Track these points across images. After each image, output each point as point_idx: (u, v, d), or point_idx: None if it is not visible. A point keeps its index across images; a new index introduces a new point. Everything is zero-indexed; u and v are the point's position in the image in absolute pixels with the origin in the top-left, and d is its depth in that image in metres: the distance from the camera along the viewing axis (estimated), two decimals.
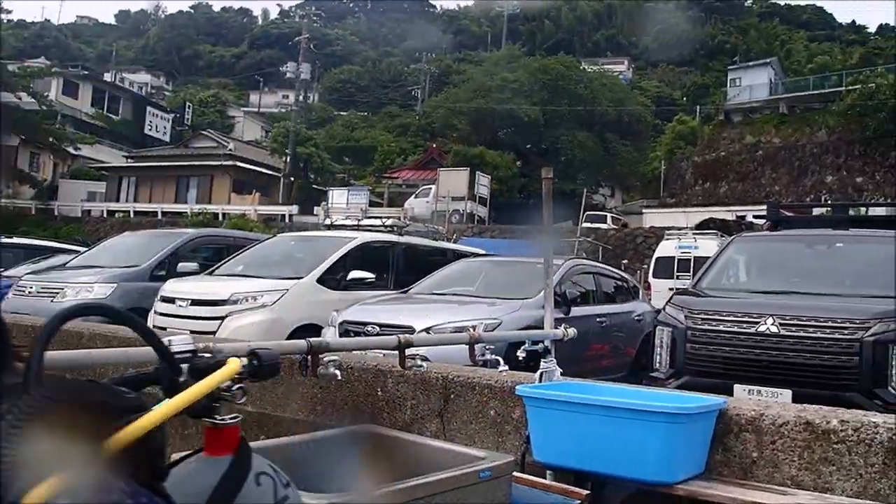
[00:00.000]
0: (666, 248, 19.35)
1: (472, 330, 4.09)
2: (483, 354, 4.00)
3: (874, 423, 3.77)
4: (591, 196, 45.26)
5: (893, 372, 5.11)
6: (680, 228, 23.16)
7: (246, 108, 69.96)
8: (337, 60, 73.67)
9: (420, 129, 55.21)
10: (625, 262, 24.26)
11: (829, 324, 5.25)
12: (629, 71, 66.75)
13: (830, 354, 5.18)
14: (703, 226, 25.40)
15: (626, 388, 4.44)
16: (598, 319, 8.36)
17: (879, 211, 7.89)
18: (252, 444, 2.96)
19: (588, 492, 3.41)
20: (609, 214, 40.23)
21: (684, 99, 61.46)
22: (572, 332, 4.47)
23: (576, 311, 7.59)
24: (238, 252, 9.44)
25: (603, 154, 45.98)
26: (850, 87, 45.93)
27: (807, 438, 3.84)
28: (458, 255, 9.87)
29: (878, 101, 42.59)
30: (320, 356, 3.01)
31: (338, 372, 3.05)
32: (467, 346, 3.96)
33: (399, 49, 76.05)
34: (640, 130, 49.55)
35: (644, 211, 44.45)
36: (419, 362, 3.45)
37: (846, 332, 5.18)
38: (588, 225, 34.30)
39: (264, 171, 45.36)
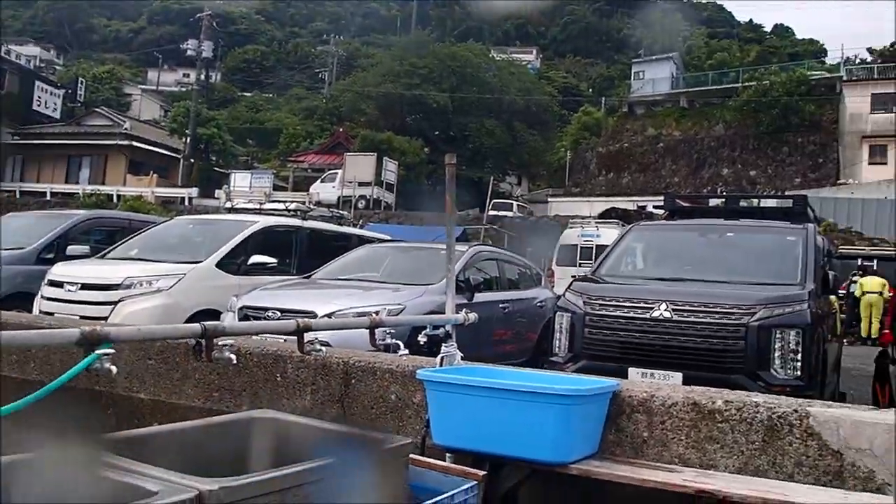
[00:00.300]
0: (569, 237, 19.77)
1: (374, 315, 4.08)
2: (383, 339, 4.00)
3: (755, 402, 3.96)
4: (499, 184, 45.79)
5: (776, 355, 5.38)
6: (584, 217, 23.69)
7: (144, 86, 67.30)
8: (241, 39, 71.71)
9: (327, 113, 54.45)
10: (529, 249, 24.64)
11: (718, 309, 5.49)
12: (537, 61, 67.67)
13: (718, 338, 5.42)
14: (606, 215, 26.09)
15: (524, 372, 4.52)
16: (501, 305, 8.47)
17: (770, 203, 8.23)
18: (141, 430, 2.87)
19: (485, 472, 3.46)
20: (515, 202, 40.79)
21: (590, 90, 62.82)
22: (473, 316, 4.52)
23: (479, 297, 7.66)
24: (133, 235, 9.10)
25: (510, 142, 46.53)
26: (747, 84, 47.98)
27: (694, 418, 4.01)
28: (363, 241, 9.81)
29: (771, 97, 44.66)
30: (215, 340, 2.94)
31: (233, 356, 2.99)
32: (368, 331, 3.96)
33: (306, 30, 74.73)
34: (547, 120, 50.41)
35: (550, 199, 45.28)
36: (318, 346, 3.41)
37: (733, 317, 5.43)
38: (495, 213, 34.68)
39: (163, 151, 43.88)
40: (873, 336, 15.70)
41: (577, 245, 18.92)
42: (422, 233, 20.82)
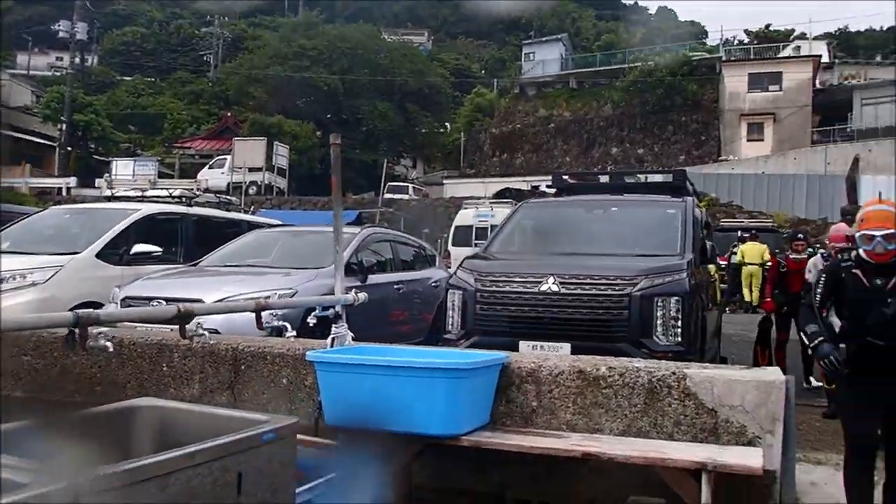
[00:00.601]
0: (464, 217, 19.95)
1: (260, 299, 4.00)
2: (270, 322, 3.95)
3: (637, 368, 4.14)
4: (393, 167, 45.65)
5: (657, 323, 5.60)
6: (478, 198, 23.92)
7: (12, 70, 63.33)
8: (119, 21, 68.38)
9: (213, 97, 52.68)
10: (426, 231, 24.75)
11: (602, 281, 5.66)
12: (429, 42, 67.68)
13: (603, 309, 5.60)
14: (500, 195, 26.46)
15: (414, 349, 4.56)
16: (395, 286, 8.47)
17: (652, 178, 8.52)
18: (11, 424, 2.73)
19: (379, 446, 3.47)
20: (411, 185, 40.80)
21: (482, 72, 63.27)
22: (363, 296, 4.51)
23: (373, 278, 7.64)
24: (4, 227, 8.59)
25: (404, 124, 46.45)
26: (633, 65, 49.46)
27: (580, 385, 4.15)
28: (253, 227, 9.59)
29: (656, 78, 46.19)
30: (90, 329, 2.82)
31: (109, 344, 2.88)
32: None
33: (188, 11, 71.94)
34: (440, 102, 50.49)
35: (445, 181, 45.52)
36: (201, 331, 3.33)
37: (617, 288, 5.61)
38: (390, 196, 34.60)
39: (36, 140, 41.50)
40: (755, 304, 16.53)
41: (472, 226, 19.12)
42: (316, 218, 20.58)
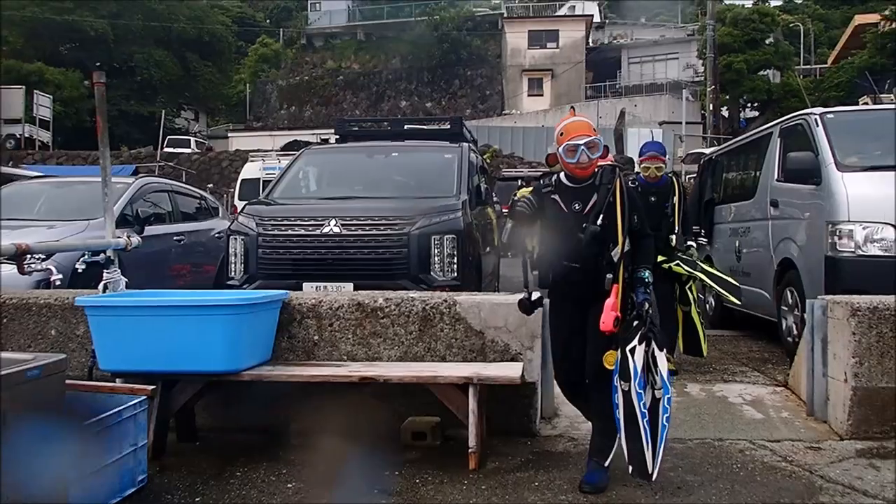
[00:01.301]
0: (251, 170, 19.41)
1: (21, 243, 3.80)
2: (32, 266, 3.76)
3: (412, 297, 4.41)
4: (173, 120, 43.36)
5: (435, 259, 5.93)
6: (266, 151, 23.38)
7: None
8: None
9: None
10: (210, 186, 23.91)
11: (382, 222, 5.89)
12: None
13: (384, 248, 5.83)
14: (288, 148, 25.98)
15: (192, 291, 4.54)
16: (175, 238, 8.25)
17: (431, 126, 8.83)
18: None
19: (153, 387, 3.47)
20: (193, 138, 39.02)
21: (267, 21, 61.19)
22: (136, 240, 4.42)
23: (150, 230, 7.39)
24: None
25: (183, 75, 44.02)
26: (419, 19, 50.00)
27: (359, 317, 4.35)
28: (8, 179, 8.83)
29: (442, 32, 47.09)
30: None
31: None
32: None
33: None
34: (222, 51, 48.28)
35: (230, 135, 43.98)
36: None
37: (396, 227, 5.86)
38: (171, 150, 32.94)
39: None
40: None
41: (259, 178, 18.67)
42: (86, 172, 19.19)
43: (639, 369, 3.38)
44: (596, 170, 3.61)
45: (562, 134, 3.61)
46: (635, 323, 3.46)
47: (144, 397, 3.34)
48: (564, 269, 3.58)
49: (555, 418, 4.62)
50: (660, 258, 5.55)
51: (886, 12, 33.85)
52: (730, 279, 6.09)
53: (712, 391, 5.32)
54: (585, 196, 3.58)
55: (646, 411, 3.36)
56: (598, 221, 3.46)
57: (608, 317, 3.34)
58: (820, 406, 4.47)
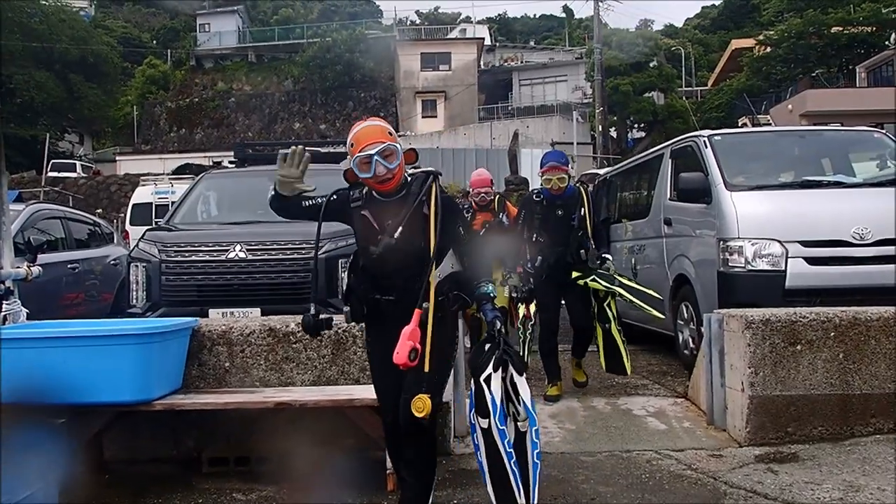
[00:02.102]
0: (142, 195, 18.85)
1: None
2: None
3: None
4: (57, 143, 41.48)
5: (342, 283, 5.91)
6: (157, 175, 22.71)
7: None
8: None
9: None
10: (99, 211, 23.01)
11: (289, 246, 5.84)
12: (91, 8, 61.81)
13: (291, 272, 5.78)
14: (180, 171, 25.31)
15: (97, 321, 4.38)
16: (69, 266, 7.92)
17: (330, 149, 8.82)
18: None
19: (62, 420, 3.33)
20: (79, 162, 37.45)
21: (154, 42, 59.60)
22: (37, 270, 4.24)
23: (43, 258, 7.02)
24: None
25: (67, 97, 42.18)
26: (311, 41, 49.83)
27: (270, 343, 4.31)
28: None
29: (334, 54, 47.05)
30: None
31: None
32: None
33: None
34: (107, 72, 46.51)
35: (118, 158, 42.42)
36: None
37: (302, 251, 5.82)
38: (55, 174, 31.50)
39: None
40: None
41: (151, 203, 18.14)
42: None
43: (497, 401, 2.88)
44: (406, 179, 3.09)
45: (352, 145, 3.03)
46: (487, 346, 2.99)
47: (51, 430, 3.20)
48: (375, 300, 3.05)
49: (468, 437, 4.67)
50: (575, 274, 5.54)
51: (761, 37, 36.10)
52: (651, 292, 5.68)
53: (617, 404, 5.51)
54: (398, 211, 3.01)
55: (511, 450, 2.90)
56: (395, 234, 2.93)
57: (403, 347, 2.74)
58: (719, 415, 4.71)
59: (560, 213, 5.62)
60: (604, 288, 5.50)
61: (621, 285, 5.49)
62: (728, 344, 4.64)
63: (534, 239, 5.69)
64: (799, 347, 4.37)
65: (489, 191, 6.97)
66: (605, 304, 5.62)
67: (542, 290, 5.65)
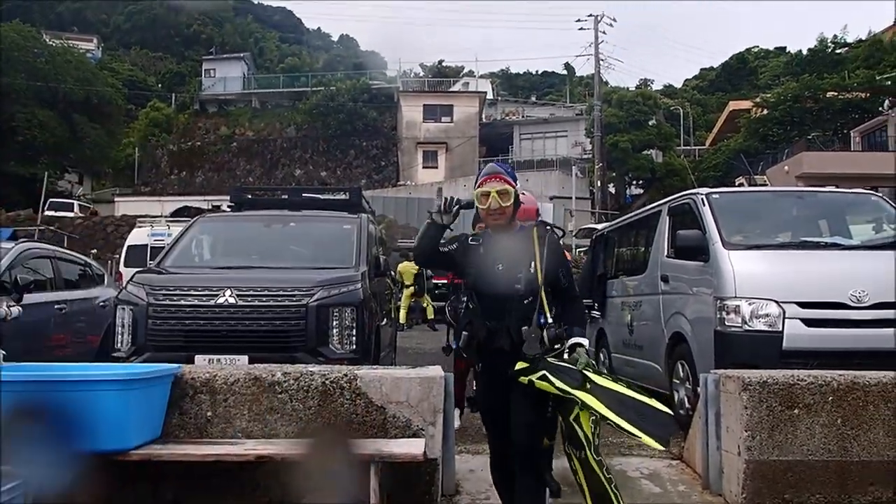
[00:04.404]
0: (138, 236, 18.79)
1: None
2: None
3: (311, 371, 4.29)
4: (56, 182, 41.61)
5: (333, 332, 5.82)
6: (154, 217, 22.72)
7: None
8: None
9: None
10: (94, 251, 22.95)
11: (280, 293, 5.75)
12: (98, 50, 62.76)
13: (281, 320, 5.69)
14: (178, 214, 25.31)
15: (76, 365, 4.27)
16: (57, 307, 7.82)
17: (329, 196, 8.73)
18: None
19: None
20: (77, 202, 37.50)
21: (159, 85, 60.34)
22: (16, 310, 4.16)
23: (30, 297, 6.96)
24: None
25: (69, 137, 42.42)
26: (315, 89, 50.48)
27: (255, 392, 4.19)
28: None
29: (338, 103, 47.64)
30: None
31: None
32: None
33: None
34: (111, 114, 46.90)
35: (116, 199, 42.50)
36: None
37: (294, 299, 5.74)
38: (52, 213, 31.53)
39: None
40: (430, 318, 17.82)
41: (146, 245, 18.07)
42: None
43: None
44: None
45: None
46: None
47: (18, 482, 3.07)
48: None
49: (456, 495, 4.54)
50: (519, 365, 3.38)
51: (758, 100, 36.61)
52: (653, 403, 3.32)
53: (611, 465, 5.36)
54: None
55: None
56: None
57: None
58: (715, 479, 4.58)
59: (500, 266, 3.43)
60: (558, 392, 3.29)
61: (592, 388, 3.28)
62: (724, 406, 4.54)
63: (462, 305, 4.08)
64: (797, 411, 4.27)
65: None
66: (572, 419, 3.37)
67: (478, 387, 3.77)
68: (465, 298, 3.70)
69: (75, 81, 43.07)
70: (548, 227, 3.62)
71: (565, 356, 3.40)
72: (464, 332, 3.54)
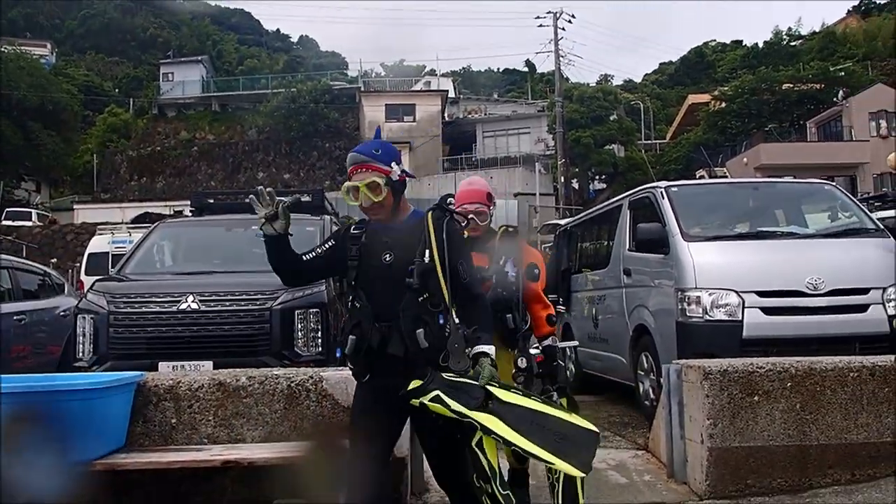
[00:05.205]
0: (98, 244, 18.50)
1: None
2: None
3: (276, 375, 4.27)
4: (13, 191, 40.84)
5: (299, 334, 5.80)
6: (115, 224, 22.38)
7: None
8: None
9: None
10: (54, 260, 22.53)
11: (243, 297, 5.71)
12: (52, 56, 61.59)
13: (245, 324, 5.65)
14: (140, 220, 24.93)
15: (34, 376, 4.20)
16: (16, 318, 7.69)
17: (292, 198, 8.63)
18: None
19: None
20: (35, 210, 36.81)
21: (116, 90, 59.39)
22: None
23: None
24: None
25: (24, 144, 41.58)
26: (276, 91, 50.11)
27: (220, 398, 4.16)
28: None
29: (299, 104, 47.32)
30: None
31: None
32: None
33: None
34: (67, 120, 46.07)
35: (76, 207, 41.78)
36: None
37: (258, 302, 5.70)
38: (9, 223, 30.94)
39: None
40: None
41: (108, 252, 17.80)
42: None
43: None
44: None
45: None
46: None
47: None
48: None
49: (425, 493, 4.55)
50: (413, 384, 2.81)
51: (716, 93, 37.18)
52: (575, 420, 2.86)
53: None
54: None
55: None
56: None
57: None
58: (679, 468, 4.65)
59: (387, 256, 2.95)
60: (453, 414, 2.74)
61: (496, 407, 2.76)
62: (687, 395, 4.60)
63: (349, 304, 3.06)
64: (756, 398, 4.35)
65: (481, 210, 4.07)
66: (474, 444, 2.88)
67: (359, 405, 3.10)
68: (350, 298, 3.00)
69: (29, 88, 42.23)
70: (447, 213, 3.02)
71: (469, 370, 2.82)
72: (350, 337, 2.91)
